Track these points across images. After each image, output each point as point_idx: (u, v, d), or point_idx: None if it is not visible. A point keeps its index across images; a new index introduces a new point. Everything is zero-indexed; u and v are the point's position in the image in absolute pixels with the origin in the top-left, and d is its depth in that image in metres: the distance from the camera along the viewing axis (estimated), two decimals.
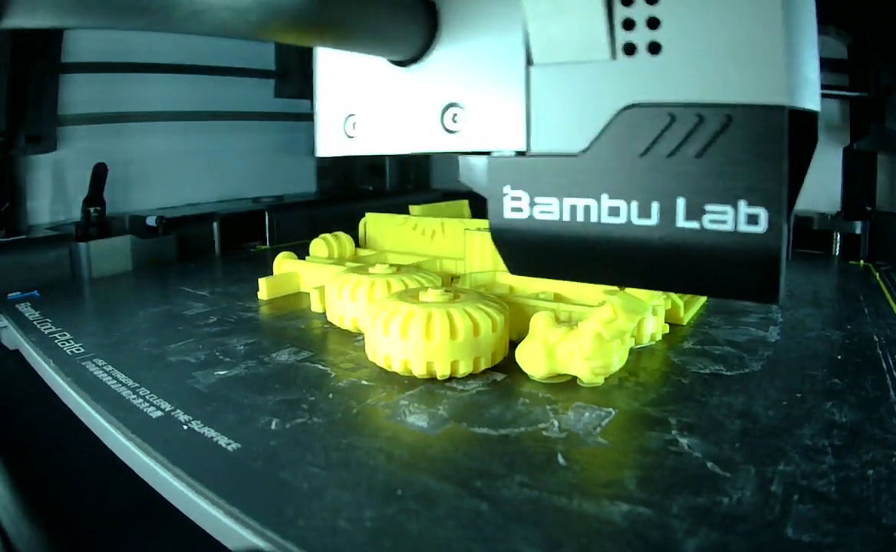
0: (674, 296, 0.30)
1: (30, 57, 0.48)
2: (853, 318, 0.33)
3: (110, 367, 0.26)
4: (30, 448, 0.29)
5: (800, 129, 0.13)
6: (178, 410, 0.22)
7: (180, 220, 0.52)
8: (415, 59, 0.17)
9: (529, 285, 0.32)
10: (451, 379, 0.24)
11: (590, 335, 0.22)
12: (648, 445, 0.19)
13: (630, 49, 0.14)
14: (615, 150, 0.14)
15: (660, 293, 0.25)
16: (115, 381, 0.25)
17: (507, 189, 0.16)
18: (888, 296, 0.38)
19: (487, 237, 0.34)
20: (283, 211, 0.61)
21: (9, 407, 0.31)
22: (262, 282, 0.37)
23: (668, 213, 0.14)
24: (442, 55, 0.16)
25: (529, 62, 0.15)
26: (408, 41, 0.16)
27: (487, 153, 0.16)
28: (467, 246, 0.35)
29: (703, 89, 0.13)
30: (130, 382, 0.25)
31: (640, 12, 0.13)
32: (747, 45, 0.13)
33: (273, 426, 0.21)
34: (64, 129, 0.53)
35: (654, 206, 0.14)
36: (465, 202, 0.52)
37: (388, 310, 0.24)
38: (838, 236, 0.56)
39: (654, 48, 0.14)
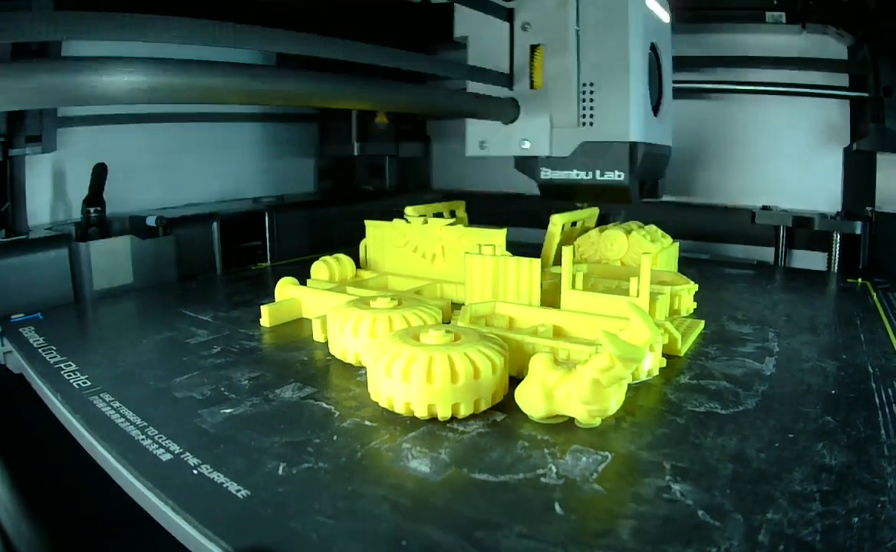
0: (671, 328, 0.31)
1: (30, 57, 0.48)
2: (849, 347, 0.33)
3: (117, 403, 0.27)
4: (32, 451, 0.30)
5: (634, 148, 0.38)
6: (187, 453, 0.23)
7: (180, 220, 0.53)
8: (512, 122, 0.40)
9: (529, 317, 0.32)
10: (452, 419, 0.25)
11: (587, 381, 0.22)
12: (642, 492, 0.20)
13: (583, 123, 0.38)
14: (579, 154, 0.39)
15: (658, 331, 0.25)
16: (123, 419, 0.26)
17: (543, 167, 0.40)
18: (885, 319, 0.38)
19: (487, 261, 0.35)
20: (283, 211, 0.62)
21: (12, 414, 0.32)
22: (265, 310, 0.37)
23: (595, 173, 0.38)
24: (521, 121, 0.40)
25: (552, 126, 0.39)
26: (511, 116, 0.39)
27: (537, 156, 0.40)
28: (468, 271, 0.35)
29: (604, 136, 0.38)
30: (138, 421, 0.25)
31: (587, 112, 0.38)
32: (617, 124, 0.37)
33: (280, 471, 0.21)
34: (64, 129, 0.53)
35: (592, 172, 0.39)
36: (463, 203, 0.52)
37: (391, 354, 0.24)
38: (838, 236, 0.56)
39: (591, 123, 0.38)
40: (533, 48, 0.39)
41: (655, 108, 0.41)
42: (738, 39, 0.63)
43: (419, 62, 0.33)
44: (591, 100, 0.38)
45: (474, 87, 0.39)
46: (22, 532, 0.27)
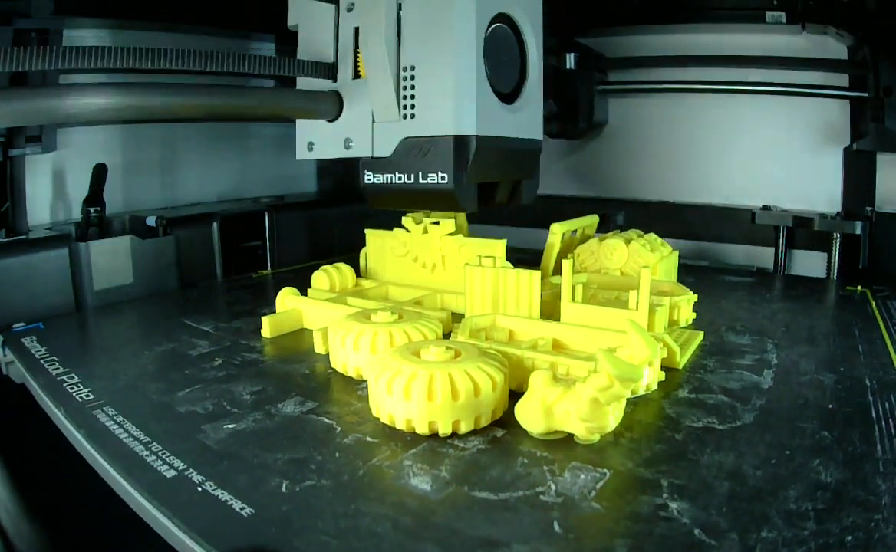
0: (670, 342, 0.31)
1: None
2: (847, 358, 0.34)
3: (121, 418, 0.27)
4: (32, 453, 0.30)
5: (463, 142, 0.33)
6: (191, 470, 0.23)
7: (180, 220, 0.53)
8: (335, 119, 0.36)
9: (528, 330, 0.33)
10: (453, 435, 0.25)
11: (586, 399, 0.23)
12: (640, 511, 0.20)
13: (405, 116, 0.33)
14: (401, 154, 0.34)
15: (656, 348, 0.26)
16: (126, 434, 0.26)
17: (365, 171, 0.35)
18: (883, 329, 0.38)
19: (487, 273, 0.35)
20: (283, 211, 0.62)
21: (14, 419, 0.32)
22: (266, 321, 0.37)
23: (418, 176, 0.33)
24: (345, 117, 0.36)
25: (373, 121, 0.35)
26: (333, 113, 0.36)
27: (360, 157, 0.36)
28: (468, 283, 0.36)
29: (427, 129, 0.33)
30: (142, 436, 0.26)
31: (408, 102, 0.33)
32: (441, 114, 0.32)
33: (284, 489, 0.22)
34: (64, 129, 0.53)
35: (414, 175, 0.33)
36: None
37: (392, 371, 0.25)
38: (838, 236, 0.56)
39: (412, 116, 0.33)
40: (357, 31, 0.34)
41: (512, 95, 0.34)
42: (739, 39, 0.62)
43: (213, 61, 0.29)
44: (413, 87, 0.32)
45: (304, 83, 0.35)
46: (22, 532, 0.27)
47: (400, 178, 0.33)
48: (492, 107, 0.33)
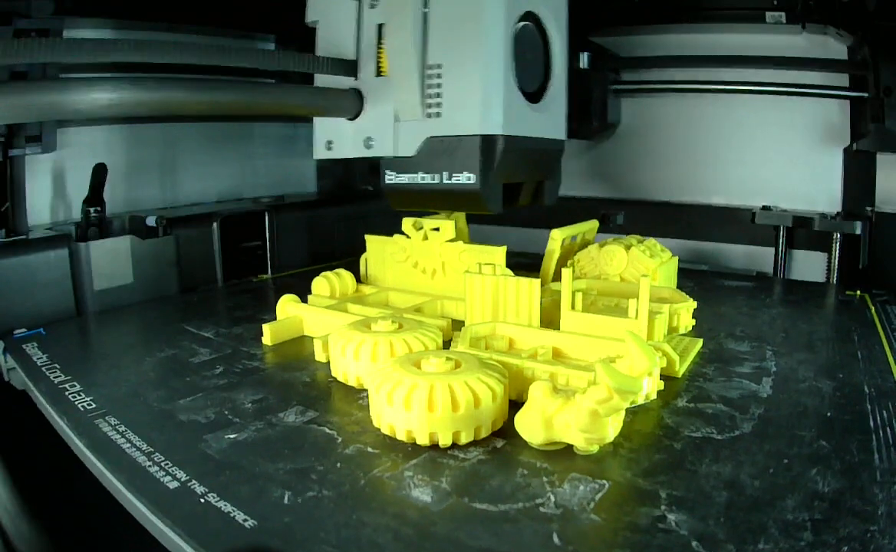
0: (669, 351, 0.31)
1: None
2: (846, 365, 0.34)
3: (123, 427, 0.27)
4: (32, 453, 0.30)
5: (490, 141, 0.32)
6: (194, 481, 0.23)
7: (180, 220, 0.53)
8: (355, 117, 0.35)
9: (528, 338, 0.33)
10: (453, 446, 0.25)
11: (585, 411, 0.23)
12: (638, 522, 0.20)
13: (429, 115, 0.33)
14: (425, 154, 0.33)
15: (655, 359, 0.26)
16: (129, 444, 0.26)
17: (387, 170, 0.35)
18: (882, 335, 0.39)
19: (487, 281, 0.35)
20: (283, 211, 0.62)
21: (15, 421, 0.32)
22: (266, 329, 0.37)
23: (443, 176, 0.33)
24: (366, 115, 0.35)
25: (396, 119, 0.34)
26: (353, 111, 0.35)
27: (382, 157, 0.35)
28: (467, 291, 0.36)
29: (453, 129, 0.32)
30: (144, 446, 0.26)
31: (433, 100, 0.33)
32: (467, 113, 0.32)
33: (286, 500, 0.22)
34: (64, 129, 0.53)
35: (439, 175, 0.33)
36: (463, 214, 0.52)
37: (392, 382, 0.25)
38: (838, 236, 0.56)
39: (437, 115, 0.32)
40: (381, 28, 0.33)
41: (537, 94, 0.34)
42: (739, 39, 0.62)
43: (231, 56, 0.28)
44: (439, 85, 0.31)
45: (323, 80, 0.35)
46: (22, 532, 0.27)
47: (424, 178, 0.32)
48: (518, 106, 0.32)
